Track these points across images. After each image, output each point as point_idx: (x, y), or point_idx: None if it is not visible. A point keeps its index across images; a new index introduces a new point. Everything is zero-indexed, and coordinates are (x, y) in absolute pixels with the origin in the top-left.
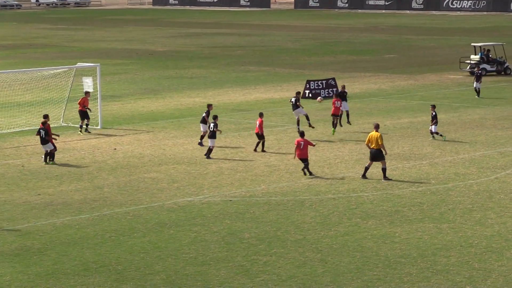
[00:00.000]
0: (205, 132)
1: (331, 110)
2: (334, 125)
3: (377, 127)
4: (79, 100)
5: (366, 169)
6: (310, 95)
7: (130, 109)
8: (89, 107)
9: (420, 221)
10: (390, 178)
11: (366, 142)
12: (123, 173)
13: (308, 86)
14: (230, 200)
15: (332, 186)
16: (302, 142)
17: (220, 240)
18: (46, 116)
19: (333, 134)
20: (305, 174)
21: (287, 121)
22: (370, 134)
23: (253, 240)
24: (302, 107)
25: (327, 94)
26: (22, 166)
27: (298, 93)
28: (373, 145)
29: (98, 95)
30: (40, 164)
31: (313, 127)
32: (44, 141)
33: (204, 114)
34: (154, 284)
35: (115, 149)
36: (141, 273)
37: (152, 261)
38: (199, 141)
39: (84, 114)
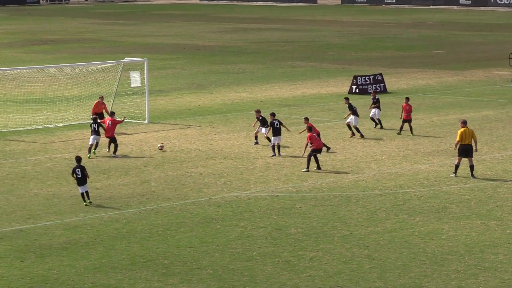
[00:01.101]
0: (258, 132)
1: (369, 106)
2: (400, 130)
3: (465, 123)
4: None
5: (457, 166)
6: (357, 90)
7: (177, 104)
8: (107, 110)
9: (467, 218)
10: (476, 176)
11: (457, 139)
12: (170, 167)
13: (355, 82)
14: (277, 195)
15: (379, 182)
16: (315, 134)
17: (266, 235)
18: (112, 114)
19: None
20: (318, 167)
21: (334, 117)
22: (460, 130)
23: (299, 235)
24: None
25: (374, 89)
26: (70, 160)
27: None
28: (467, 141)
29: (146, 90)
30: (88, 159)
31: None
32: (96, 133)
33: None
34: (200, 279)
35: (70, 160)
36: (188, 268)
37: (199, 255)
38: (255, 141)
39: (96, 129)
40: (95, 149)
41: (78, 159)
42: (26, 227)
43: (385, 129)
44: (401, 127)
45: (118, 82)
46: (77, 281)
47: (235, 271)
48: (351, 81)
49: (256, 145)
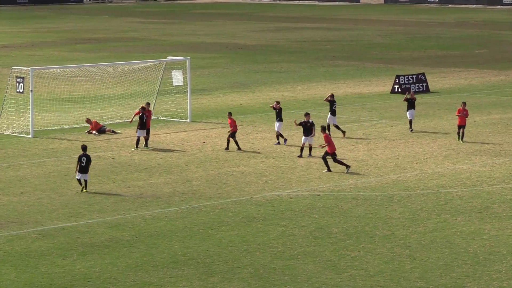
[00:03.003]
0: (278, 132)
1: (406, 105)
2: (460, 135)
3: None
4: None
5: None
6: (400, 89)
7: (219, 102)
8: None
9: (510, 218)
10: None
11: None
12: (211, 166)
13: (397, 81)
14: (318, 195)
15: (421, 182)
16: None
17: (308, 234)
18: (147, 104)
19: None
20: (346, 166)
21: (376, 116)
22: None
23: (341, 235)
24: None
25: (417, 89)
26: (113, 158)
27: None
28: None
29: (188, 89)
30: (130, 157)
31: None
32: (143, 126)
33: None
34: (242, 278)
35: (204, 142)
36: (229, 266)
37: (240, 254)
38: (277, 141)
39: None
40: (146, 146)
41: (84, 147)
42: (69, 225)
43: (416, 131)
44: (458, 133)
45: (161, 81)
46: (119, 279)
47: (276, 270)
48: (393, 80)
49: (286, 145)
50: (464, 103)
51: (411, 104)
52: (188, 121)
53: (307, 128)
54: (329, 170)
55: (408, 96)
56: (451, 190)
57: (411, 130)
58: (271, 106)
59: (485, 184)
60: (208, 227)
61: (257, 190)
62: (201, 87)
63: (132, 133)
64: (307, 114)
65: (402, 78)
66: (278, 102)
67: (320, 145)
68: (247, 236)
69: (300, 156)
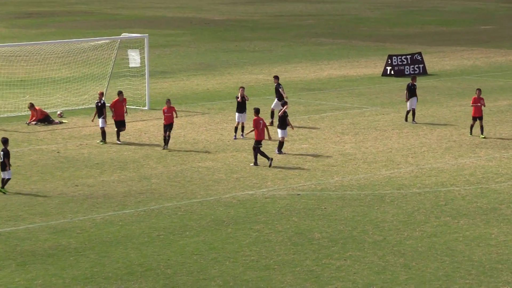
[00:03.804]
0: (238, 123)
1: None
2: (480, 129)
3: None
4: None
5: None
6: (393, 72)
7: (183, 87)
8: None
9: None
10: None
11: None
12: (174, 161)
13: (390, 62)
14: (298, 194)
15: (417, 179)
16: (261, 121)
17: (286, 240)
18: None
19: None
20: (268, 158)
21: (365, 102)
22: None
23: (324, 241)
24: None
25: (412, 71)
26: (58, 152)
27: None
28: None
29: (146, 71)
30: (78, 150)
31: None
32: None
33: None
34: None
35: (58, 152)
36: (194, 278)
37: (207, 264)
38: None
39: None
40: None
41: (4, 141)
42: (6, 231)
43: (417, 123)
44: (472, 126)
45: (114, 62)
46: None
47: (249, 282)
48: (385, 61)
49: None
50: (479, 90)
51: (412, 92)
52: (146, 108)
53: (241, 105)
54: (255, 164)
55: (414, 83)
56: (452, 188)
57: (414, 122)
58: (237, 97)
59: (491, 182)
60: (169, 233)
61: (227, 189)
62: (162, 69)
63: (81, 122)
64: (241, 88)
65: (395, 59)
66: (242, 88)
67: (246, 133)
68: (215, 243)
69: (235, 138)
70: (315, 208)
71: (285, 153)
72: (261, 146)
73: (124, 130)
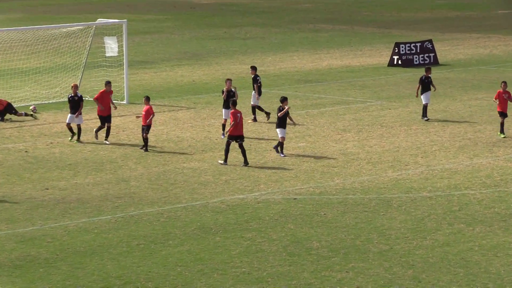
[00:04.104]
0: (225, 120)
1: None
2: (500, 127)
3: None
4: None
5: None
6: (400, 62)
7: (165, 78)
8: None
9: None
10: None
11: None
12: (155, 161)
13: (397, 51)
14: (295, 199)
15: (427, 182)
16: (239, 114)
17: (281, 250)
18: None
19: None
20: (245, 162)
21: (370, 96)
22: None
23: (324, 251)
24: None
25: (422, 60)
26: (26, 151)
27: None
28: None
29: (125, 61)
30: (49, 150)
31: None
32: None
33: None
34: None
35: (26, 152)
36: None
37: (193, 276)
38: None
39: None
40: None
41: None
42: None
43: (428, 119)
44: (502, 124)
45: (89, 50)
46: None
47: None
48: (391, 49)
49: (265, 134)
50: (505, 83)
51: (427, 86)
52: (125, 102)
53: (227, 100)
54: (225, 162)
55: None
56: (466, 192)
57: (427, 119)
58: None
59: (510, 184)
60: (150, 241)
61: (215, 192)
62: (142, 59)
63: (51, 118)
64: (228, 80)
65: (402, 47)
66: (229, 80)
67: (227, 131)
68: (202, 253)
69: (223, 135)
70: (313, 214)
71: (284, 156)
72: (241, 142)
73: (110, 125)
